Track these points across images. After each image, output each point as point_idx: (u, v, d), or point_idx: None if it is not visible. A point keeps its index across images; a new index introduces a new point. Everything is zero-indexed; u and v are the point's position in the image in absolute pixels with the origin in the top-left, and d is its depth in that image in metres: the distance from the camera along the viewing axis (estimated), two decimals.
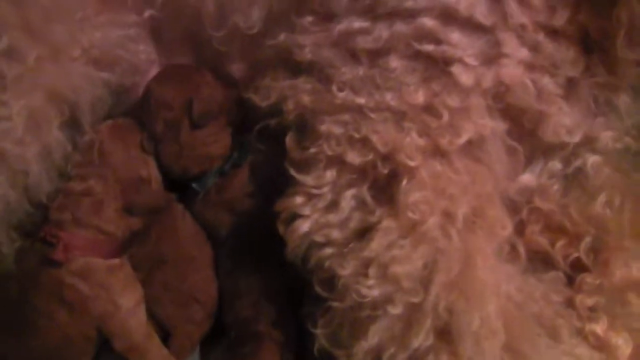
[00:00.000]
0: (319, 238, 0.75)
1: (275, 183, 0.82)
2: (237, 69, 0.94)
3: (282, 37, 0.84)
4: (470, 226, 0.74)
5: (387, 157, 0.75)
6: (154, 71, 0.94)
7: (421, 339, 0.71)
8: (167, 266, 0.87)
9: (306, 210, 0.76)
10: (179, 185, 0.92)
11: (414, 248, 0.72)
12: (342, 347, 0.74)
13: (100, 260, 0.82)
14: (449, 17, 0.77)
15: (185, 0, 0.92)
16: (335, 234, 0.75)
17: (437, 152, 0.76)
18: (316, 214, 0.76)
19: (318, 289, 0.76)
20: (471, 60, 0.76)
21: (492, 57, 0.76)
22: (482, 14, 0.76)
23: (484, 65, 0.76)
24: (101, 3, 0.90)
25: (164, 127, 0.89)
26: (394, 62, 0.77)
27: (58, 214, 0.83)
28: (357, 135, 0.76)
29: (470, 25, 0.76)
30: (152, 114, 0.89)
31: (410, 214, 0.73)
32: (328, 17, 0.82)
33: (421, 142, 0.75)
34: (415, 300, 0.71)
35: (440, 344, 0.71)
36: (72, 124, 0.86)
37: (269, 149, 0.86)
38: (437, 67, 0.76)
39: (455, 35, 0.76)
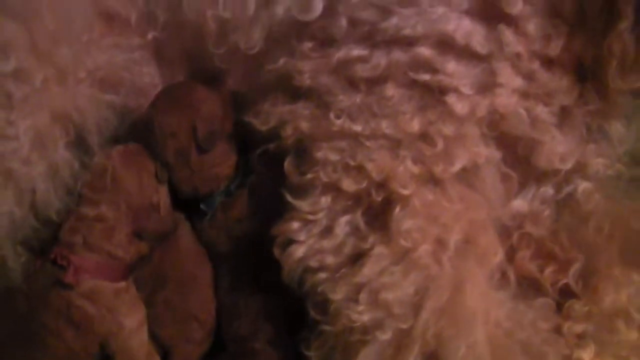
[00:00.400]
0: (313, 263, 0.77)
1: (275, 205, 0.83)
2: (238, 87, 0.95)
3: (282, 62, 0.85)
4: (462, 253, 0.76)
5: (381, 185, 0.76)
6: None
7: None
8: (169, 285, 0.88)
9: (301, 236, 0.78)
10: (185, 203, 0.94)
11: (405, 275, 0.74)
12: None
13: (107, 283, 0.84)
14: (445, 45, 0.78)
15: (186, 19, 0.93)
16: (329, 260, 0.77)
17: (431, 180, 0.77)
18: (311, 240, 0.78)
19: (312, 312, 0.77)
20: (466, 90, 0.77)
21: (487, 86, 0.78)
22: (478, 42, 0.77)
23: (479, 94, 0.78)
24: (106, 26, 0.92)
25: (175, 155, 0.90)
26: (391, 90, 0.78)
27: (69, 237, 0.84)
28: (352, 163, 0.77)
29: (466, 54, 0.78)
30: (160, 144, 0.90)
31: (402, 242, 0.74)
32: (327, 42, 0.83)
33: (415, 169, 0.77)
34: (404, 326, 0.73)
35: None
36: (79, 144, 0.88)
37: (270, 172, 0.87)
38: (433, 95, 0.78)
39: (451, 65, 0.77)
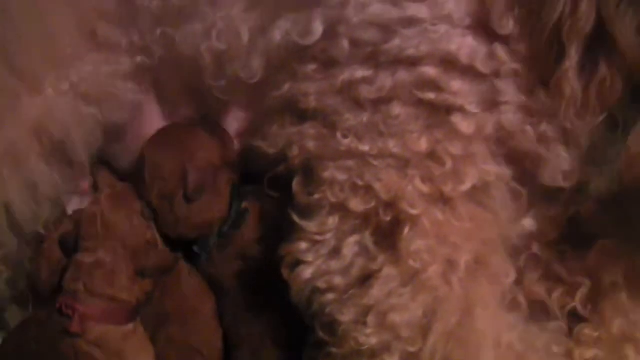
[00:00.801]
0: (321, 284, 0.76)
1: (284, 230, 0.81)
2: (240, 116, 0.95)
3: (286, 87, 0.84)
4: (472, 274, 0.74)
5: (389, 205, 0.75)
6: (143, 110, 0.95)
7: None
8: (170, 322, 0.87)
9: (309, 257, 0.77)
10: (181, 243, 0.92)
11: (414, 297, 0.73)
12: None
13: (115, 327, 0.84)
14: (449, 64, 0.76)
15: (183, 54, 0.91)
16: (337, 281, 0.75)
17: (441, 199, 0.76)
18: (319, 261, 0.76)
19: (320, 333, 0.76)
20: (472, 108, 0.76)
21: (493, 103, 0.76)
22: (482, 61, 0.76)
23: (486, 111, 0.76)
24: (93, 45, 0.91)
25: (159, 199, 0.89)
26: (397, 109, 0.77)
27: (72, 285, 0.84)
28: (360, 183, 0.76)
29: (470, 72, 0.77)
30: (147, 185, 0.89)
31: (411, 263, 0.73)
32: (330, 64, 0.82)
33: (424, 189, 0.75)
34: (413, 349, 0.71)
35: None
36: (60, 157, 0.87)
37: (281, 196, 0.86)
38: (440, 114, 0.77)
39: (456, 83, 0.76)
